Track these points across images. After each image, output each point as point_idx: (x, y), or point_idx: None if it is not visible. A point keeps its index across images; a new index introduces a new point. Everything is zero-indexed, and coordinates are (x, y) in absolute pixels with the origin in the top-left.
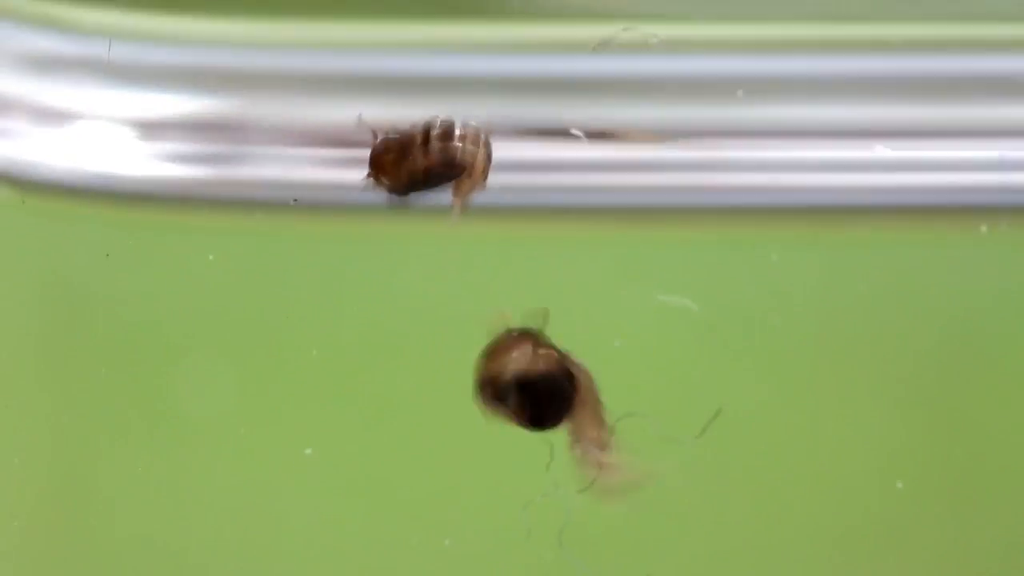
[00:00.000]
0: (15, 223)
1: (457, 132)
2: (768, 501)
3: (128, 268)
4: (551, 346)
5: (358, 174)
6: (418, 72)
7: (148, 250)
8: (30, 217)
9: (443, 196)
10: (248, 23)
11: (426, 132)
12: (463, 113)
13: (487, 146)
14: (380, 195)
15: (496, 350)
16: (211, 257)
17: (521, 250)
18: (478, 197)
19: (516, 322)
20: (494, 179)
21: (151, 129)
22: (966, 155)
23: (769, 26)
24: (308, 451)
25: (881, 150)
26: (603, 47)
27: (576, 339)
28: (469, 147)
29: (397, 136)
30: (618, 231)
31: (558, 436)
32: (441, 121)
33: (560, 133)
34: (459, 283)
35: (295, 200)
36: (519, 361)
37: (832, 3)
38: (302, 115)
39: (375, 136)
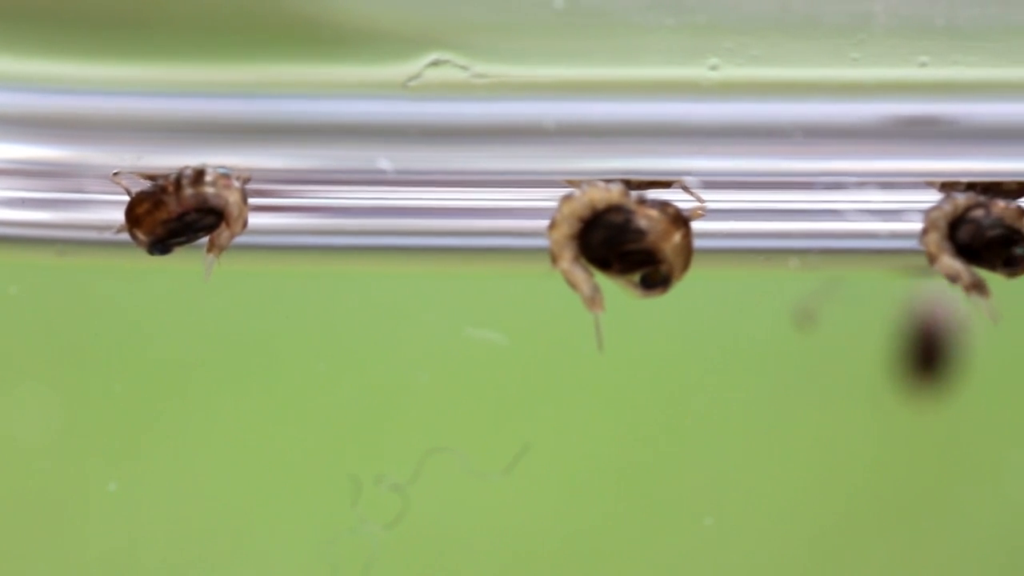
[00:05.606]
0: None
1: (208, 176)
2: (575, 534)
3: None
4: None
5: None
6: (251, 115)
7: None
8: None
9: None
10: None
11: (178, 179)
12: (309, 157)
13: (242, 190)
14: (141, 247)
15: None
16: (13, 290)
17: (325, 284)
18: (240, 238)
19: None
20: (291, 220)
21: None
22: None
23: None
24: (112, 486)
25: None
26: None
27: (383, 373)
28: (222, 191)
29: (150, 187)
30: (426, 266)
31: (364, 469)
32: (193, 167)
33: (373, 177)
34: (262, 318)
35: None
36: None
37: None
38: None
39: (127, 190)
